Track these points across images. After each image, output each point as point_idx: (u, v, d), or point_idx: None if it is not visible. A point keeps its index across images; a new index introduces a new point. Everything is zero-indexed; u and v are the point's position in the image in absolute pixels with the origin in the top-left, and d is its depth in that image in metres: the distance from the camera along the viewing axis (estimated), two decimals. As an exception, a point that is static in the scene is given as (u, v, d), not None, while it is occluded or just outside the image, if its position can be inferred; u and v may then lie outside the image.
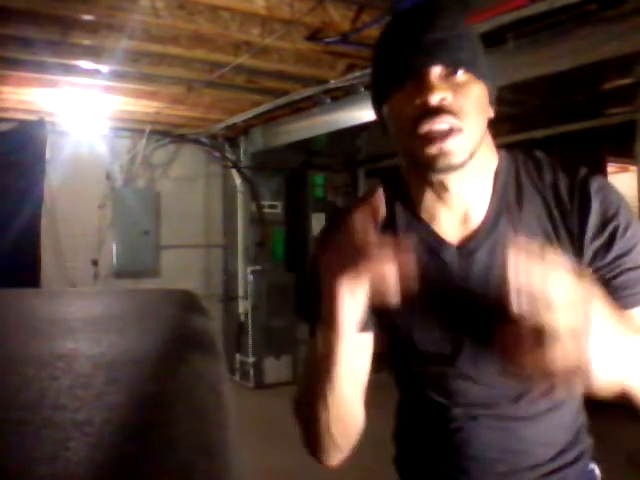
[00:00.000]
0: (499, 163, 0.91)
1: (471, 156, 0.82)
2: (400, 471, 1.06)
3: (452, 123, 0.79)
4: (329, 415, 0.81)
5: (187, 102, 4.47)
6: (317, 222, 5.72)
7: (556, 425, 0.93)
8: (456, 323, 0.89)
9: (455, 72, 0.80)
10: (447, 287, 0.89)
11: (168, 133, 5.53)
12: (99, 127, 5.07)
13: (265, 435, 3.64)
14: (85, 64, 3.48)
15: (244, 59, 3.44)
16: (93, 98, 4.24)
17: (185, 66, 3.67)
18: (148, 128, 5.28)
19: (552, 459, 0.92)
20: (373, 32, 2.89)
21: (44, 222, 4.75)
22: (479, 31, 2.57)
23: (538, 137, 4.44)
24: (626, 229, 0.83)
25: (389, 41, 0.85)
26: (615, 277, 0.83)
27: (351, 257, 0.67)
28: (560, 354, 0.58)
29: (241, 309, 5.72)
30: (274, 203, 5.81)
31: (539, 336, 0.58)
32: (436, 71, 0.80)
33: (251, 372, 5.53)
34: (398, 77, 0.82)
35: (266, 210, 5.72)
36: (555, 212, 0.86)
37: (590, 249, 0.85)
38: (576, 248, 0.85)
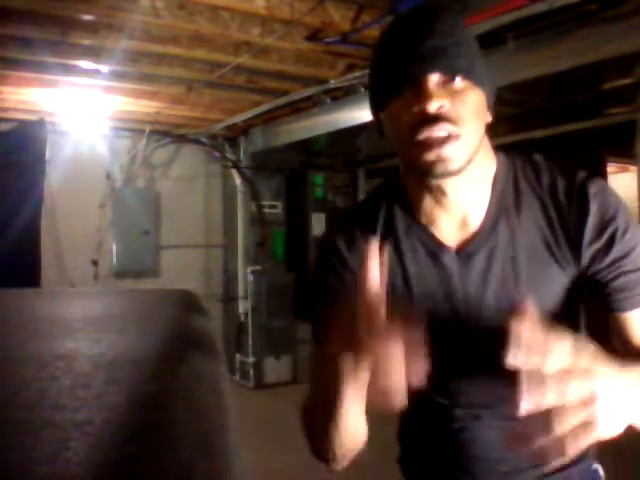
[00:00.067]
0: (497, 167, 0.91)
1: (469, 162, 0.82)
2: (404, 471, 1.08)
3: (450, 130, 0.79)
4: (339, 434, 0.80)
5: (187, 102, 4.47)
6: (317, 222, 5.73)
7: None
8: (456, 324, 0.90)
9: (453, 79, 0.80)
10: (446, 290, 0.90)
11: (168, 133, 5.53)
12: (99, 127, 5.07)
13: (265, 435, 3.64)
14: (85, 64, 3.48)
15: (244, 59, 3.44)
16: (93, 98, 4.24)
17: (185, 66, 3.67)
18: (148, 128, 5.29)
19: None
20: (373, 32, 2.89)
21: (44, 222, 4.75)
22: (479, 31, 2.58)
23: (538, 137, 4.44)
24: (625, 232, 0.83)
25: (387, 47, 0.85)
26: (614, 280, 0.84)
27: (356, 344, 0.64)
28: (578, 431, 0.57)
29: (241, 309, 5.72)
30: (274, 203, 5.82)
31: (548, 424, 0.57)
32: (434, 79, 0.80)
33: (251, 372, 5.53)
34: (396, 85, 0.82)
35: (266, 210, 5.73)
36: (553, 216, 0.86)
37: (588, 252, 0.85)
38: (574, 251, 0.86)
